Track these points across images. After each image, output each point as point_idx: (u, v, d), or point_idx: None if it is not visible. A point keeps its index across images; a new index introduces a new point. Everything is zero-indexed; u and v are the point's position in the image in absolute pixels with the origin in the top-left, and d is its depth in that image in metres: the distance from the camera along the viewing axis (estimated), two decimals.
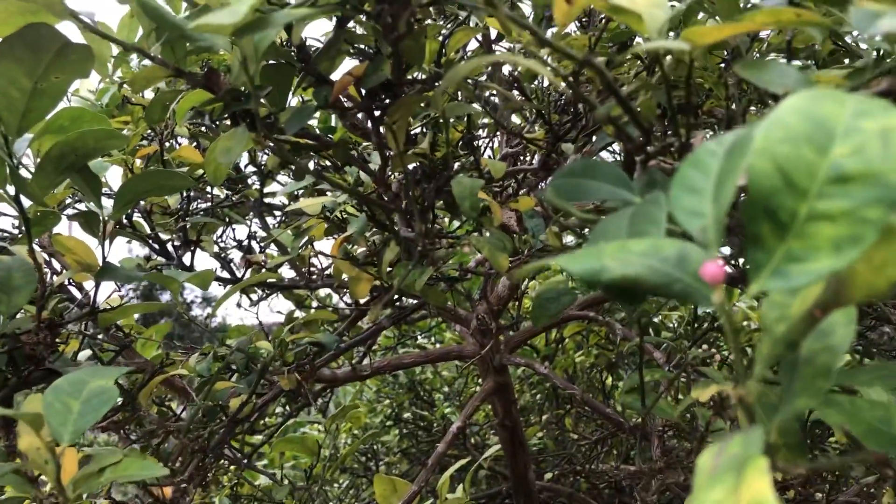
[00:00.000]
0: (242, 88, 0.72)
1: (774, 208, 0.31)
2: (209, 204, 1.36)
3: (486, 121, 1.37)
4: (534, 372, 1.99)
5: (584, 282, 0.37)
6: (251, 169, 1.55)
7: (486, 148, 1.48)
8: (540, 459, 2.34)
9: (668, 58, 0.63)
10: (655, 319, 1.97)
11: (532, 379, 2.41)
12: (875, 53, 1.02)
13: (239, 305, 1.52)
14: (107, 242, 0.93)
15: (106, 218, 0.90)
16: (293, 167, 1.16)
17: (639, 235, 0.40)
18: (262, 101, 0.74)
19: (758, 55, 0.90)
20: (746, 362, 0.38)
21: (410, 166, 0.85)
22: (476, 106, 0.78)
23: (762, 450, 0.31)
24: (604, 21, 1.04)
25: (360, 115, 0.86)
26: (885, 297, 0.32)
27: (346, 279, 1.10)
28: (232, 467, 1.43)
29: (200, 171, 1.27)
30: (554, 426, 2.35)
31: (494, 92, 1.25)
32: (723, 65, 1.08)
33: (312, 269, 1.33)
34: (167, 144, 1.32)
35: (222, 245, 1.53)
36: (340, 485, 2.45)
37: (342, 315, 1.39)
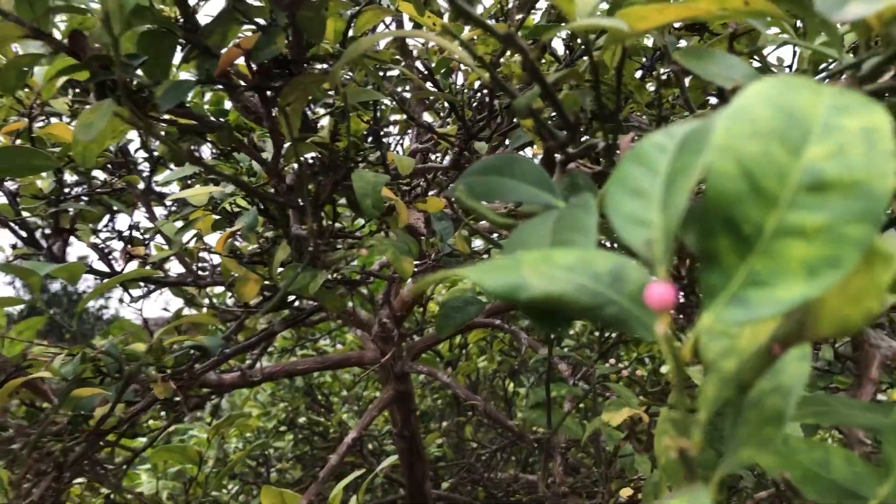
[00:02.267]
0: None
1: (737, 219, 0.25)
2: (87, 189, 1.23)
3: (397, 117, 1.30)
4: (435, 379, 1.93)
5: (500, 298, 0.30)
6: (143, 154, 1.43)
7: (396, 145, 1.41)
8: (439, 466, 2.29)
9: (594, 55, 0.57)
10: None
11: (434, 384, 2.35)
12: (780, 62, 1.01)
13: (121, 301, 1.39)
14: None
15: None
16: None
17: (564, 245, 0.33)
18: (138, 72, 0.65)
19: None
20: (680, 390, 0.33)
21: (310, 157, 0.76)
22: (382, 94, 0.71)
23: None
24: (519, 19, 0.99)
25: (254, 98, 0.78)
26: (856, 332, 0.26)
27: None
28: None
29: None
30: (454, 434, 2.30)
31: (408, 88, 1.18)
32: (640, 73, 1.04)
33: (203, 264, 1.22)
34: (42, 121, 1.19)
35: (104, 236, 1.40)
36: (230, 491, 2.32)
37: (234, 315, 1.29)
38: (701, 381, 0.30)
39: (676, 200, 0.26)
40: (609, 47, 0.58)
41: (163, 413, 2.12)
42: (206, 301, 1.49)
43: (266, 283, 0.89)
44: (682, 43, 0.93)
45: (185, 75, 0.82)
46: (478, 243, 1.43)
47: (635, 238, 0.27)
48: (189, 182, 1.28)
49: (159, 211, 1.48)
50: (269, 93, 0.63)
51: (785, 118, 0.26)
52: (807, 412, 0.45)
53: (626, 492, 1.05)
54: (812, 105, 0.26)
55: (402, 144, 1.38)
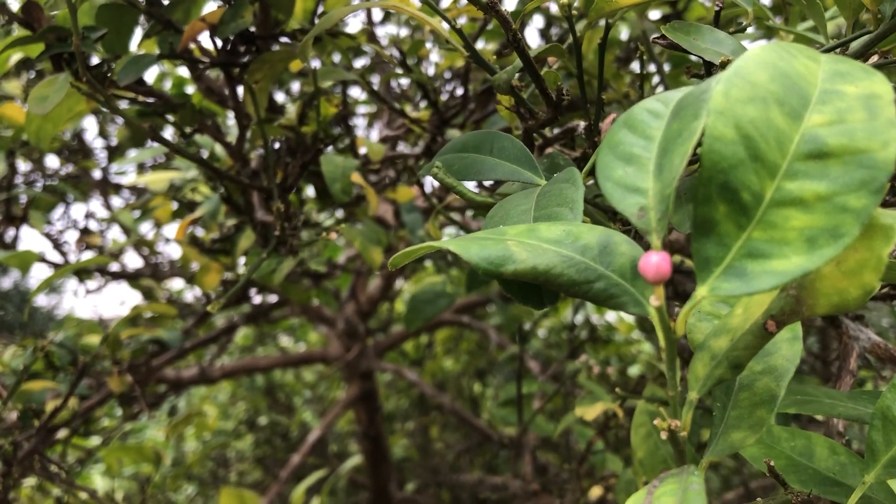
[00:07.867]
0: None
1: (735, 186, 0.24)
2: (41, 176, 1.19)
3: (366, 109, 1.27)
4: (402, 378, 1.91)
5: (484, 272, 0.28)
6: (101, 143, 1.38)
7: (368, 136, 1.38)
8: (404, 468, 2.27)
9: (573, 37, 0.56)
10: (527, 327, 1.94)
11: (399, 384, 2.33)
12: None
13: (75, 294, 1.35)
14: None
15: None
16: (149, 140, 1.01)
17: (548, 220, 0.32)
18: (96, 46, 0.62)
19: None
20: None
21: (276, 141, 0.74)
22: (352, 74, 0.69)
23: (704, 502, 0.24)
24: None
25: (217, 76, 0.75)
26: (855, 309, 0.25)
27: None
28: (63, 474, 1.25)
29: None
30: (419, 435, 2.28)
31: (377, 80, 1.16)
32: (616, 63, 1.04)
33: (160, 255, 1.18)
34: None
35: (60, 226, 1.35)
36: (185, 493, 2.27)
37: (193, 311, 1.25)
38: (691, 362, 0.29)
39: (672, 166, 0.25)
40: (587, 32, 0.57)
41: (119, 412, 2.07)
42: (165, 295, 1.46)
43: (228, 273, 0.86)
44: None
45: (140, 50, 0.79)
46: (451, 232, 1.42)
47: (628, 205, 0.26)
48: (147, 168, 1.24)
49: (116, 202, 1.44)
50: (234, 70, 0.61)
51: (784, 82, 0.25)
52: (789, 401, 0.44)
53: (595, 491, 1.03)
54: (810, 71, 0.25)
55: (369, 137, 1.35)
